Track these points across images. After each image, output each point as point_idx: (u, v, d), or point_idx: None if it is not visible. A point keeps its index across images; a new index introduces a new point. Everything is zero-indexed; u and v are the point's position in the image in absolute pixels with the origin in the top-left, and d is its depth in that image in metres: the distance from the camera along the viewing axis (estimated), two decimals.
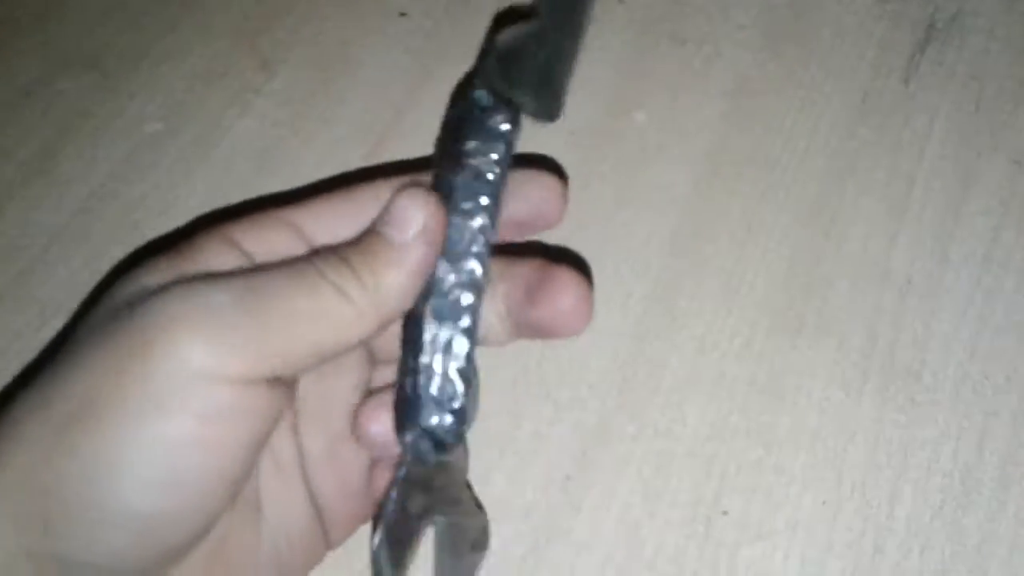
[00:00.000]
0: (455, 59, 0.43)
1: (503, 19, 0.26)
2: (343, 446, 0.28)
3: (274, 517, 0.27)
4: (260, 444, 0.25)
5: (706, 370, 0.34)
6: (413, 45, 0.43)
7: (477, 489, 0.30)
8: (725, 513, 0.32)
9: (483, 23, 0.43)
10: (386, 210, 0.26)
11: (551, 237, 0.37)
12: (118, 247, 0.38)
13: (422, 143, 0.40)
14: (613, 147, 0.40)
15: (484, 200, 0.26)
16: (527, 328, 0.28)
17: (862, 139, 0.39)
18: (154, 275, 0.25)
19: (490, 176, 0.26)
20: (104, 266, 0.37)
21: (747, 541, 0.31)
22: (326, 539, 0.29)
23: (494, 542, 0.31)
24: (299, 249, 0.27)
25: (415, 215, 0.25)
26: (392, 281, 0.25)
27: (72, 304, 0.37)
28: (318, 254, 0.25)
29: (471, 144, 0.27)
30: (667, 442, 0.33)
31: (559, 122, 0.40)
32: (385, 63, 0.43)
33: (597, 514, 0.32)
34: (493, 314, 0.28)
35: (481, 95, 0.27)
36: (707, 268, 0.36)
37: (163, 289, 0.24)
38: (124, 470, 0.22)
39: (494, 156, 0.27)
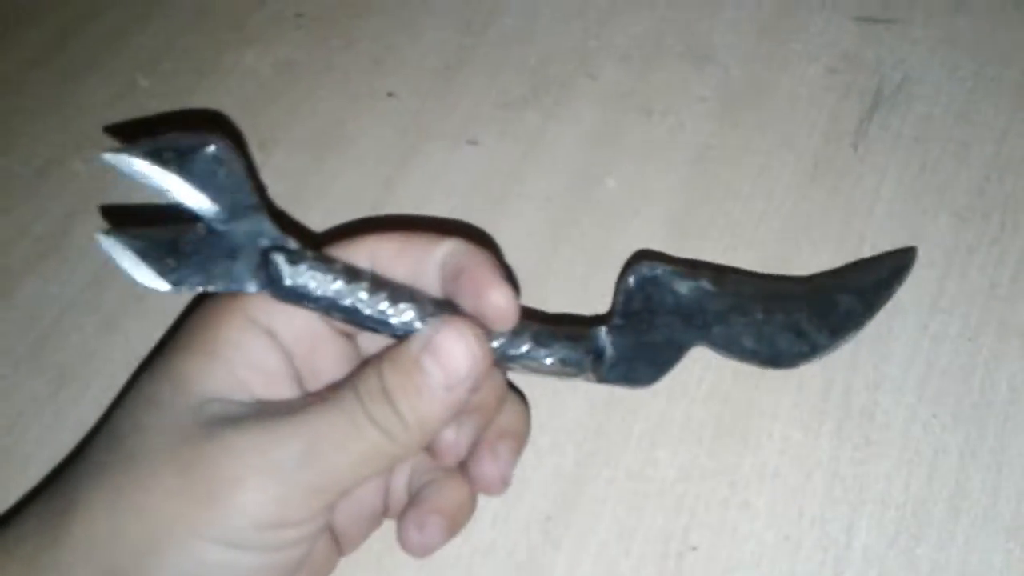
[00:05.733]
0: (440, 135, 0.46)
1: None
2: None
3: None
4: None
5: (675, 415, 0.37)
6: (401, 123, 0.47)
7: (466, 529, 0.32)
8: (695, 548, 0.34)
9: (465, 101, 0.47)
10: (431, 341, 0.27)
11: (529, 292, 0.40)
12: (126, 317, 0.41)
13: (412, 213, 0.43)
14: (586, 211, 0.43)
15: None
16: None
17: (815, 201, 0.42)
18: (201, 381, 0.27)
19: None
20: (114, 335, 0.40)
21: (716, 574, 0.33)
22: (339, 551, 0.32)
23: None
24: (319, 327, 0.30)
25: (460, 362, 0.27)
26: (435, 420, 0.27)
27: (85, 369, 0.39)
28: (361, 381, 0.27)
29: (558, 350, 0.32)
30: (640, 483, 0.35)
31: (535, 188, 0.44)
32: (375, 140, 0.46)
33: (576, 552, 0.34)
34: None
35: (604, 344, 0.33)
36: None
37: (231, 428, 0.26)
38: None
39: (547, 362, 0.32)
